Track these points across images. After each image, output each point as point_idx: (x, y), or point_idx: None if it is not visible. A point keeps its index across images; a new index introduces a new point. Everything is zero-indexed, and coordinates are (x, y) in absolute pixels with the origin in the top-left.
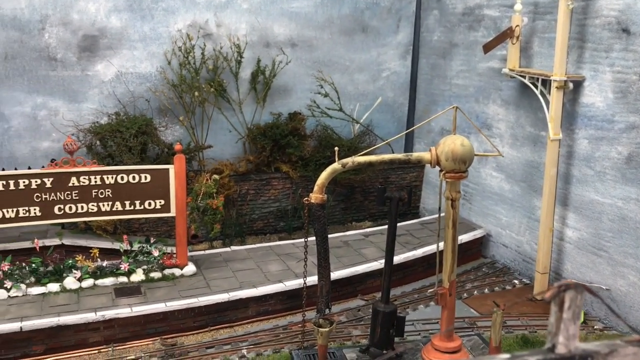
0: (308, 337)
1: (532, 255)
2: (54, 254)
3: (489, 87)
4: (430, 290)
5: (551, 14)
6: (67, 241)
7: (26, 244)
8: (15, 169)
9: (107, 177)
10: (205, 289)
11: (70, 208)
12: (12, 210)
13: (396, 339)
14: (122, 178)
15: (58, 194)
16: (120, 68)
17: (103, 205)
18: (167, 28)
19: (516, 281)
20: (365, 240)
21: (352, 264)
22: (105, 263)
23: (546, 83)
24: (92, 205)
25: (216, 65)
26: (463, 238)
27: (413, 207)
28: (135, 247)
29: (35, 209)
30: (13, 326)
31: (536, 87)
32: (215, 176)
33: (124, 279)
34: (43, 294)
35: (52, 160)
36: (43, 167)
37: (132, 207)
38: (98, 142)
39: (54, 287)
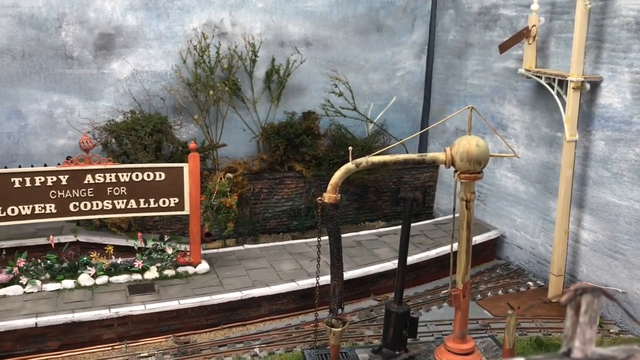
0: (320, 336)
1: (546, 257)
2: (69, 251)
3: (505, 87)
4: (444, 291)
5: (568, 14)
6: (82, 238)
7: (41, 241)
8: (32, 166)
9: (122, 175)
10: (218, 287)
11: (85, 205)
12: (28, 207)
13: (409, 340)
14: (136, 176)
15: (73, 191)
16: (135, 66)
17: (118, 202)
18: (183, 27)
19: (530, 283)
20: (378, 241)
21: (365, 264)
22: (119, 260)
23: (563, 84)
24: (107, 202)
25: (231, 64)
26: (477, 239)
27: (427, 208)
28: (150, 244)
29: (50, 206)
30: (28, 322)
31: (552, 87)
32: (229, 175)
33: (137, 276)
34: (58, 290)
35: (68, 158)
36: (59, 164)
37: (146, 205)
38: (113, 140)
39: (68, 283)
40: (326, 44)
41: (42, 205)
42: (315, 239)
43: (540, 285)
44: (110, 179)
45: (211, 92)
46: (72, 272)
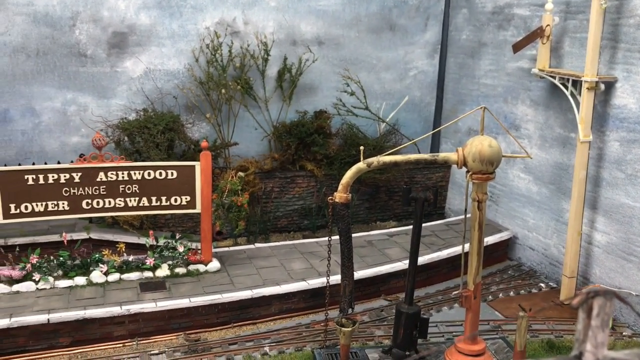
0: (330, 336)
1: (559, 258)
2: (82, 248)
3: (518, 87)
4: (455, 292)
5: (583, 14)
6: (94, 235)
7: (54, 238)
8: (45, 163)
9: (135, 173)
10: (229, 285)
11: (97, 203)
12: (41, 204)
13: (419, 341)
14: (149, 174)
15: (86, 188)
16: (148, 65)
17: (130, 200)
18: (195, 25)
19: (542, 284)
20: (389, 240)
21: (376, 264)
22: (131, 257)
23: (577, 84)
24: (119, 200)
25: (243, 63)
26: (489, 240)
27: (438, 208)
28: (161, 242)
29: (63, 203)
30: (41, 318)
31: (566, 87)
32: (241, 173)
33: (149, 273)
34: (70, 287)
35: (81, 155)
36: (72, 162)
37: (158, 203)
38: (126, 138)
39: (80, 280)
40: (338, 43)
41: (55, 202)
42: (326, 238)
43: (553, 287)
44: (123, 177)
45: (223, 91)
46: (84, 269)
